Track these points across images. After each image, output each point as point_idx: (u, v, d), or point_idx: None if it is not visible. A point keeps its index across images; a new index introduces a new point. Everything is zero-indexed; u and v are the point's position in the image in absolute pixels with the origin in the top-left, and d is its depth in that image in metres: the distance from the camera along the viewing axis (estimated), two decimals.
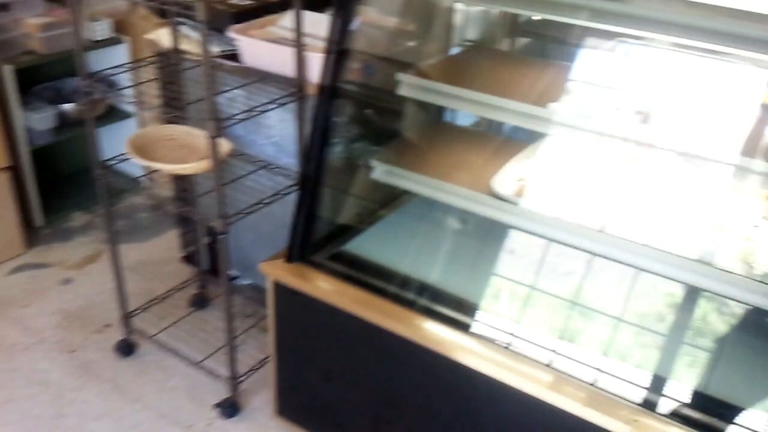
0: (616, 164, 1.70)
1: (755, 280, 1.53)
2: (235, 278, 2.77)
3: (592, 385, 1.61)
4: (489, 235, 2.12)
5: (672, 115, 1.62)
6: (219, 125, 1.90)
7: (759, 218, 1.66)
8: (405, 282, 1.90)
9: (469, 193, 1.82)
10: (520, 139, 2.02)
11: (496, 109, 1.76)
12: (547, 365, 1.65)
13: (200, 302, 2.81)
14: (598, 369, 1.64)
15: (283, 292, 1.96)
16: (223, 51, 2.30)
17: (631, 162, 1.68)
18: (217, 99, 2.15)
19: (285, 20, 2.26)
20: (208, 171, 2.01)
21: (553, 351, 1.68)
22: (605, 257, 1.69)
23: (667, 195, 1.66)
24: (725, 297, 1.64)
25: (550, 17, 1.70)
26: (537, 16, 2.12)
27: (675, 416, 1.55)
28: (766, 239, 1.62)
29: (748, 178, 1.52)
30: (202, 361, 2.43)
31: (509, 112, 1.74)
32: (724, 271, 1.55)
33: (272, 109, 2.14)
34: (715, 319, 1.77)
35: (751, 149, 1.51)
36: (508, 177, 1.83)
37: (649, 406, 1.57)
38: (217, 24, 2.27)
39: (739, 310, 1.74)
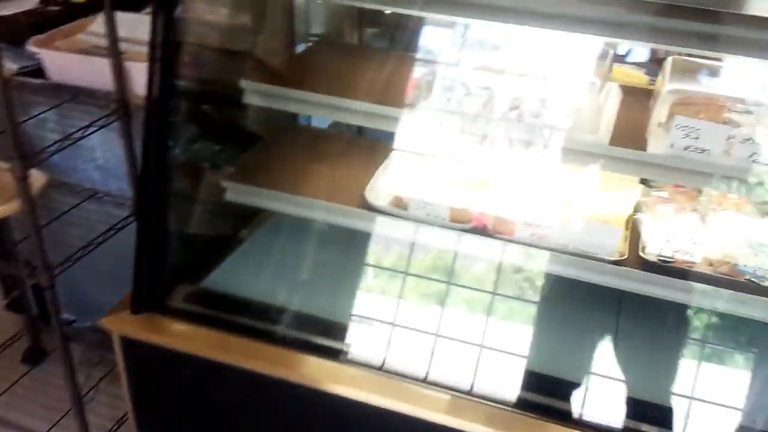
0: (481, 154, 1.66)
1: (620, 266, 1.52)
2: (71, 323, 2.43)
3: (493, 401, 1.52)
4: (355, 245, 1.95)
5: (527, 99, 1.60)
6: (25, 163, 1.57)
7: (627, 199, 1.67)
8: (271, 314, 1.74)
9: (340, 208, 1.70)
10: (381, 137, 1.87)
11: (350, 111, 1.67)
12: (431, 382, 1.57)
13: (35, 357, 2.54)
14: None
15: (132, 347, 1.73)
16: (23, 68, 2.05)
17: (497, 151, 1.63)
18: (23, 126, 1.82)
19: (96, 25, 2.03)
20: (18, 213, 1.69)
21: (435, 334, 1.63)
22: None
23: (530, 182, 1.64)
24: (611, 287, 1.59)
25: (380, 8, 1.69)
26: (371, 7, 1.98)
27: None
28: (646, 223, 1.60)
29: (588, 156, 1.51)
30: (48, 431, 2.16)
31: (362, 114, 1.66)
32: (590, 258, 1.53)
33: (92, 132, 1.83)
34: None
35: (591, 127, 1.54)
36: (379, 186, 1.72)
37: (551, 414, 1.50)
38: (11, 37, 1.98)
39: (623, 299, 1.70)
